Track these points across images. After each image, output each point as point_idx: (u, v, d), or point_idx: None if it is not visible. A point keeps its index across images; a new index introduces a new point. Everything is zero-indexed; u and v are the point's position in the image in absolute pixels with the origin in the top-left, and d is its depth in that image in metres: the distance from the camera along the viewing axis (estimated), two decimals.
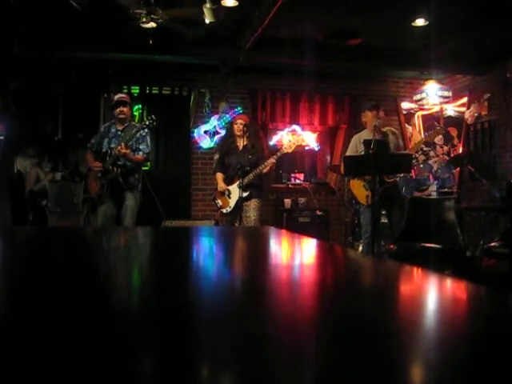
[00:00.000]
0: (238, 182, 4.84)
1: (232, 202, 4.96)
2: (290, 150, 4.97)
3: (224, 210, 5.05)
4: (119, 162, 4.62)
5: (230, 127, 5.29)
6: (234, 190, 4.92)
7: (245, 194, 4.85)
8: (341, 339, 0.45)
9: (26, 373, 0.35)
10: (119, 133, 4.75)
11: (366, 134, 4.86)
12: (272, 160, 4.88)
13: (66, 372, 0.36)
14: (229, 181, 5.00)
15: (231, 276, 0.86)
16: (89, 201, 5.05)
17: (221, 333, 0.46)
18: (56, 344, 0.42)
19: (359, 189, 4.86)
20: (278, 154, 4.94)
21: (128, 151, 4.56)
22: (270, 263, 1.05)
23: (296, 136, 5.32)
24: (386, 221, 5.15)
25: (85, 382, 0.34)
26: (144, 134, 4.74)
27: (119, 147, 4.55)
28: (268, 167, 4.87)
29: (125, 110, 4.75)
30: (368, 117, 4.89)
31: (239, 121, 5.08)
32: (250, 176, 4.83)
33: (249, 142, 4.99)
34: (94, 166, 4.72)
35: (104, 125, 4.99)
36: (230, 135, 5.19)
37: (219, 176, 5.09)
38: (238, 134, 5.01)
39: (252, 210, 4.89)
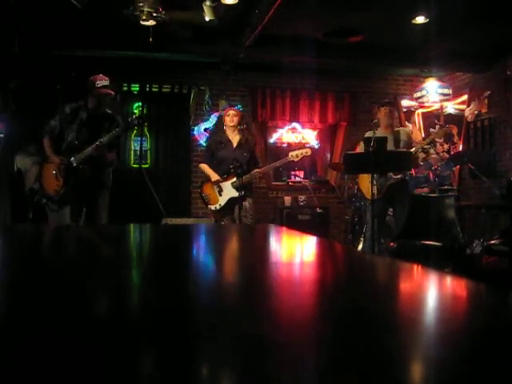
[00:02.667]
0: (232, 181, 4.71)
1: (223, 199, 4.76)
2: (296, 159, 4.93)
3: (212, 207, 4.85)
4: (91, 159, 3.98)
5: (220, 121, 5.17)
6: (227, 188, 4.74)
7: (240, 194, 4.72)
8: (341, 337, 0.45)
9: (26, 372, 0.36)
10: (92, 121, 4.04)
11: (379, 133, 4.82)
12: (264, 169, 4.98)
13: (65, 371, 0.36)
14: (220, 177, 4.81)
15: (230, 274, 0.86)
16: (41, 199, 4.26)
17: (220, 331, 0.46)
18: (55, 343, 0.42)
19: (367, 183, 4.84)
20: (284, 160, 4.90)
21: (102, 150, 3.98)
22: (269, 261, 1.05)
23: (305, 147, 5.38)
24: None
25: (84, 381, 0.34)
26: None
27: (97, 143, 3.89)
28: (262, 173, 4.93)
29: (109, 91, 4.08)
30: (381, 113, 4.87)
31: (231, 112, 4.94)
32: (248, 176, 4.70)
33: (243, 137, 4.83)
34: (56, 162, 4.02)
35: (70, 105, 4.13)
36: (220, 128, 5.07)
37: (206, 166, 4.87)
38: (231, 125, 4.83)
39: (249, 209, 4.77)
